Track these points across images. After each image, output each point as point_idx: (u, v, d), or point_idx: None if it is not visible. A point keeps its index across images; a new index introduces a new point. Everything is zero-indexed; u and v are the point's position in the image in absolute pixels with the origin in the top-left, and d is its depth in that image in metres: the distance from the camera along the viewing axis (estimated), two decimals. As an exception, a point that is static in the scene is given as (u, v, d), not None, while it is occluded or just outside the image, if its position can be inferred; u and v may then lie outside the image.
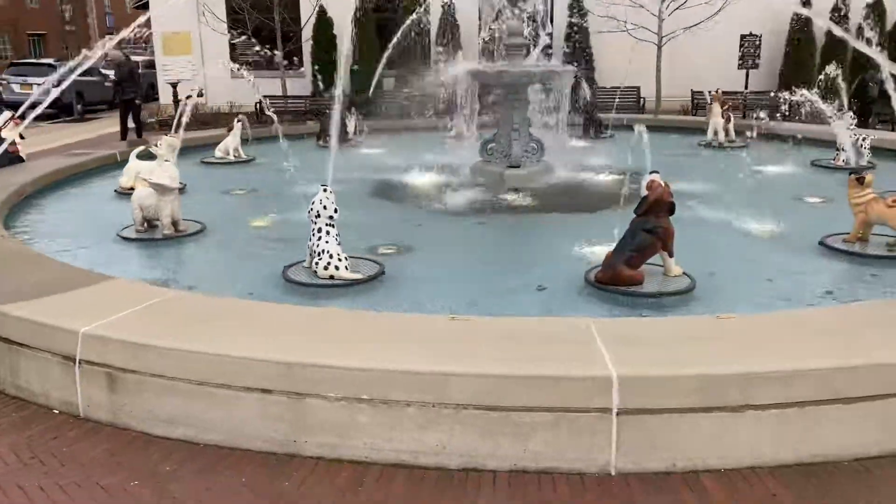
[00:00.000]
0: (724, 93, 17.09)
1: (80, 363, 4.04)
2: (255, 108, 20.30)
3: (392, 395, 3.58)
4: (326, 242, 5.70)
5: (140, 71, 19.49)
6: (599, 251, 6.03)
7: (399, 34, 13.85)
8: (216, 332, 4.03)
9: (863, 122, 15.10)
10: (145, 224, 7.16)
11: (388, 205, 8.91)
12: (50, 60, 29.51)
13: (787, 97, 11.53)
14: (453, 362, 3.60)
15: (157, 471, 3.62)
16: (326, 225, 5.71)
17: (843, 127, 10.39)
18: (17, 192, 8.60)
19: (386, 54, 14.79)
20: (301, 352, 3.74)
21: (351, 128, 13.36)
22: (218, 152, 11.68)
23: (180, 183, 9.61)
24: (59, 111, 23.27)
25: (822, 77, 15.82)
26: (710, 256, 6.31)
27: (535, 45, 10.30)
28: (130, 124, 17.00)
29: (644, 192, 5.36)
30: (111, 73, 21.28)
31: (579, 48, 22.74)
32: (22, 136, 11.60)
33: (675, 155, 11.58)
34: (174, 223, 7.15)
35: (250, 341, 3.87)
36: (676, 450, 3.55)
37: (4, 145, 10.26)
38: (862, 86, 15.80)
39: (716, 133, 12.64)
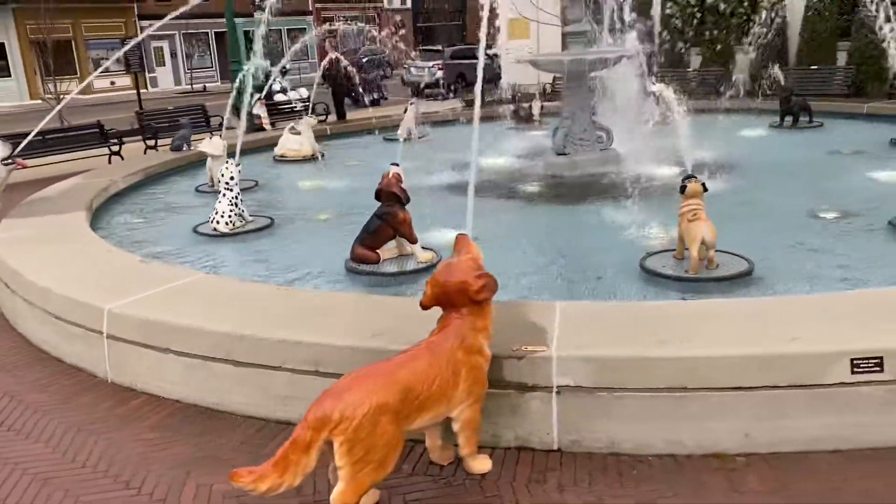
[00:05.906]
0: None
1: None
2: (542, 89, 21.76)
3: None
4: (219, 203, 7.45)
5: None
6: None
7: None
8: None
9: None
10: (213, 181, 9.65)
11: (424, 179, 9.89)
12: (438, 47, 34.50)
13: None
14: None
15: None
16: (224, 188, 7.44)
17: None
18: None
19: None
20: None
21: (536, 110, 14.16)
22: (399, 131, 13.68)
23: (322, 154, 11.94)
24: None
25: None
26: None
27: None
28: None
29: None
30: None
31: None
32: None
33: (842, 154, 10.08)
34: (226, 181, 9.52)
35: None
36: (134, 373, 4.69)
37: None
38: None
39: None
